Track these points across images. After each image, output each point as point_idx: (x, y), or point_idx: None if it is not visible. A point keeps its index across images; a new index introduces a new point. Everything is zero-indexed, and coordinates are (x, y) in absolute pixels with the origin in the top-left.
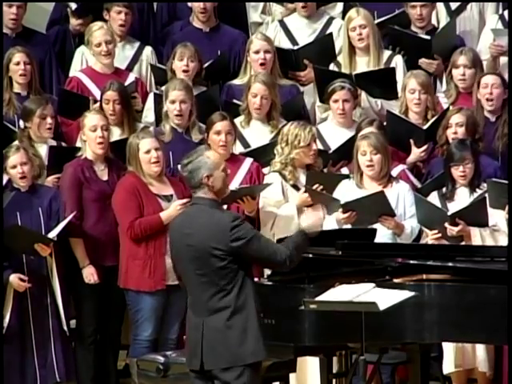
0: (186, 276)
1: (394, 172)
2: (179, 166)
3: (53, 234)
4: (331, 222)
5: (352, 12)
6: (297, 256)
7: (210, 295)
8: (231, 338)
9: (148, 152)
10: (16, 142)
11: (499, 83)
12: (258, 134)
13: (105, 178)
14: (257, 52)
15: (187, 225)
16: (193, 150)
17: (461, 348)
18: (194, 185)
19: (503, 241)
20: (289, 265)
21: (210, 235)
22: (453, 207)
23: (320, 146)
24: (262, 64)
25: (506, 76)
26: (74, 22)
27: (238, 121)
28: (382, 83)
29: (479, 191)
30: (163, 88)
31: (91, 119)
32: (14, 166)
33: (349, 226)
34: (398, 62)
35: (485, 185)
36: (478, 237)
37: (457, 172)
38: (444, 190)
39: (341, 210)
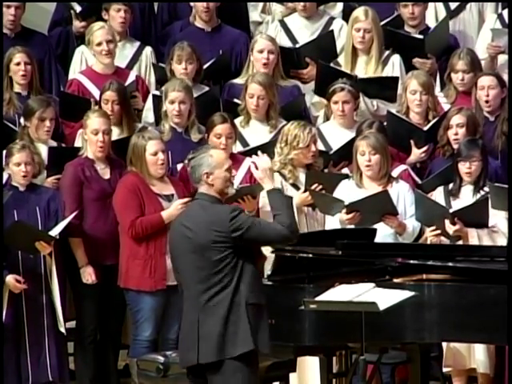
0: (184, 269)
1: (397, 171)
2: (178, 166)
3: (54, 233)
4: (334, 222)
5: (360, 13)
6: (294, 221)
7: (207, 289)
8: (225, 331)
9: (155, 154)
10: (20, 141)
11: (495, 84)
12: (257, 133)
13: (107, 176)
14: (261, 51)
15: (187, 218)
16: (200, 147)
17: (451, 348)
18: (194, 180)
19: (501, 242)
20: (292, 234)
21: (210, 227)
22: (456, 205)
23: (321, 146)
24: (264, 64)
25: (505, 76)
26: (77, 25)
27: (237, 121)
28: (384, 89)
29: (483, 192)
30: (163, 88)
31: (93, 122)
32: (18, 164)
33: (352, 227)
34: (395, 61)
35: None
36: (475, 238)
37: (463, 168)
38: (450, 186)
39: (344, 211)
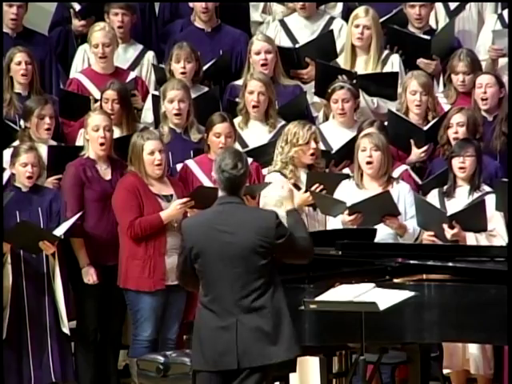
0: (215, 273)
1: (397, 172)
2: (178, 166)
3: (59, 232)
4: (336, 223)
5: (360, 10)
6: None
7: (246, 294)
8: (266, 336)
9: (152, 153)
10: (21, 142)
11: (493, 82)
12: (256, 133)
13: (108, 177)
14: (258, 53)
15: (223, 222)
16: (233, 151)
17: (449, 349)
18: (242, 186)
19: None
20: (312, 253)
21: (256, 232)
22: (451, 205)
23: (322, 146)
24: (263, 65)
25: (504, 77)
26: (76, 23)
27: (236, 121)
28: (384, 86)
29: (479, 193)
30: (161, 88)
31: (94, 119)
32: (25, 164)
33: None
34: (395, 61)
35: (485, 187)
36: (473, 242)
37: (457, 163)
38: (445, 187)
39: (347, 213)
